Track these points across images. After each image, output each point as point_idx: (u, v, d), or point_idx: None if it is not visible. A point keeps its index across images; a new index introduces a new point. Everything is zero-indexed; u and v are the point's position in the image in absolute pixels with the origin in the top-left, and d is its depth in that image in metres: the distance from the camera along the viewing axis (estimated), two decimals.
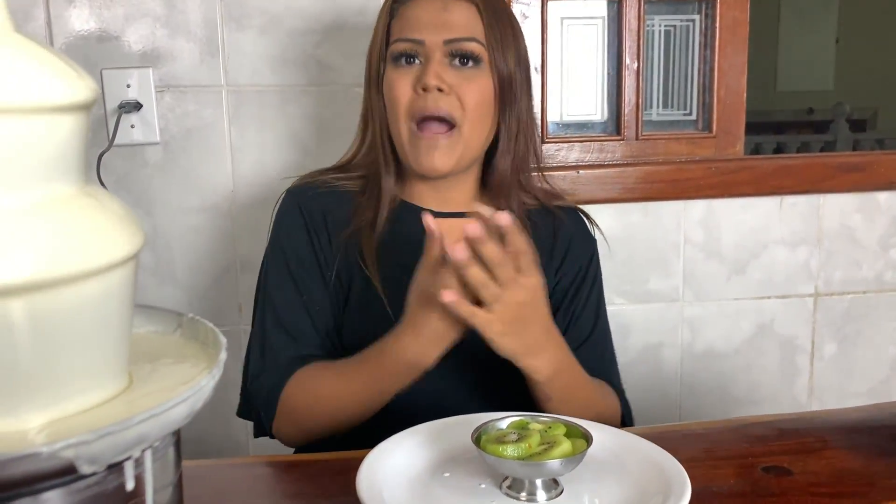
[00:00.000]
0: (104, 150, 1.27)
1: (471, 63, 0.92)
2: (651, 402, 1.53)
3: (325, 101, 1.38)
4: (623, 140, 1.50)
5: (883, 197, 1.55)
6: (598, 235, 1.07)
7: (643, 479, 0.68)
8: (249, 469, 0.79)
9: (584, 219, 1.07)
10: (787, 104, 7.49)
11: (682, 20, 1.51)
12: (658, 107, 1.54)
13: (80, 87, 0.38)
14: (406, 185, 1.00)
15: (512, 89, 0.94)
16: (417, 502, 0.66)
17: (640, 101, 1.49)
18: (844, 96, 6.63)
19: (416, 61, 0.92)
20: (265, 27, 1.34)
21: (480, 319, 0.76)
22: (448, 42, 0.91)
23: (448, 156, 0.92)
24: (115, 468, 0.38)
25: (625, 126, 1.49)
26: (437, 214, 0.96)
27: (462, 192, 1.00)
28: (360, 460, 0.69)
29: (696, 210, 1.49)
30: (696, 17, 1.51)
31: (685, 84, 1.53)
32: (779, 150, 5.71)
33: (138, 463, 0.39)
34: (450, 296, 0.74)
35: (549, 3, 1.44)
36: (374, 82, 0.98)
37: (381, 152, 0.98)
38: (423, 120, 0.92)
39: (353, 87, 1.36)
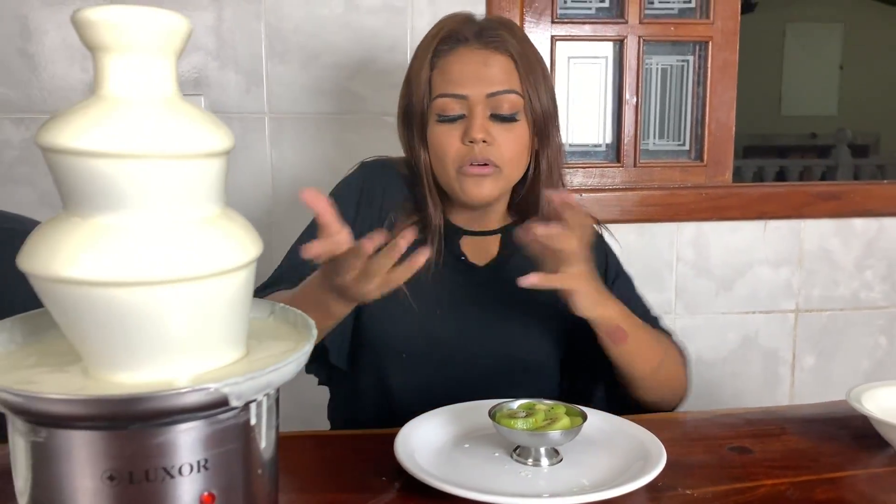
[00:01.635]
0: None
1: (510, 117, 1.02)
2: None
3: (355, 127, 1.54)
4: (622, 167, 1.66)
5: (858, 223, 1.70)
6: (610, 239, 1.21)
7: (628, 451, 0.84)
8: (303, 440, 0.94)
9: (598, 230, 1.20)
10: (791, 129, 7.63)
11: (677, 60, 1.67)
12: (654, 137, 1.70)
13: (227, 138, 0.54)
14: (446, 204, 1.11)
15: (546, 127, 1.05)
16: (444, 465, 0.81)
17: (639, 132, 1.65)
18: (847, 122, 6.77)
19: (458, 118, 1.02)
20: (304, 61, 1.51)
21: (567, 279, 0.90)
22: (490, 95, 1.01)
23: (491, 189, 1.04)
24: (245, 408, 0.53)
25: (624, 154, 1.65)
26: (470, 233, 1.11)
27: (494, 215, 1.13)
28: (391, 435, 0.84)
29: (687, 232, 1.65)
30: (691, 57, 1.67)
31: (679, 117, 1.69)
32: (781, 173, 5.85)
33: (259, 406, 0.54)
34: (531, 279, 0.88)
35: (557, 43, 1.60)
36: (418, 130, 1.07)
37: (427, 190, 1.08)
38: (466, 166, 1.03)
39: (381, 115, 1.53)
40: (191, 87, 1.48)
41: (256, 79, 1.50)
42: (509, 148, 1.02)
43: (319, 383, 1.19)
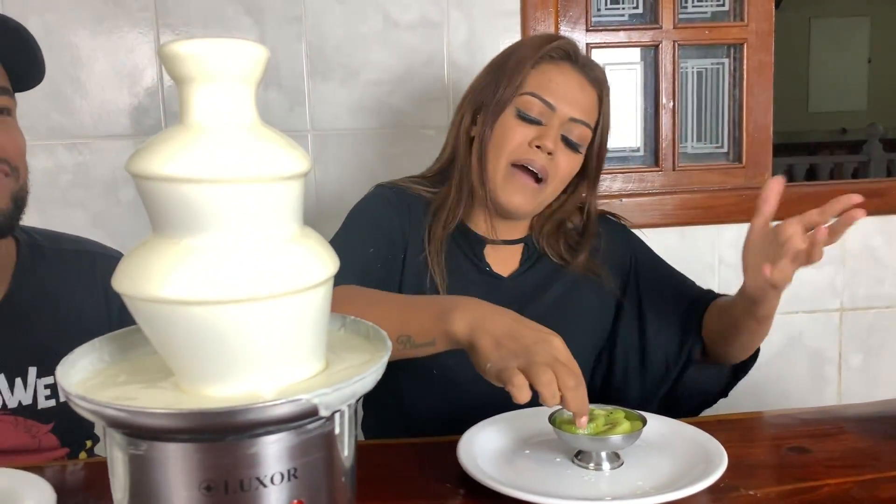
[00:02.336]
0: None
1: (576, 145, 1.06)
2: None
3: (395, 141, 1.57)
4: (661, 171, 1.66)
5: None
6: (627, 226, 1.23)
7: (688, 454, 0.84)
8: (370, 448, 0.96)
9: (612, 223, 1.22)
10: (820, 125, 7.55)
11: (712, 63, 1.68)
12: (692, 140, 1.71)
13: (305, 161, 0.57)
14: (468, 208, 1.12)
15: (596, 163, 1.11)
16: (506, 470, 0.83)
17: (676, 135, 1.66)
18: (877, 116, 6.68)
19: (536, 122, 1.05)
20: (344, 79, 1.54)
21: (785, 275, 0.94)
22: (572, 119, 1.05)
23: (531, 202, 1.06)
24: (331, 417, 0.55)
25: (662, 158, 1.66)
26: (493, 243, 1.13)
27: (514, 228, 1.14)
28: (450, 442, 0.86)
29: (728, 234, 1.65)
30: (726, 60, 1.68)
31: (716, 120, 1.70)
32: (812, 171, 5.77)
33: (342, 415, 0.56)
34: (769, 270, 0.92)
35: (592, 50, 1.62)
36: (487, 114, 1.06)
37: (460, 188, 1.10)
38: (520, 165, 1.05)
39: (420, 128, 1.55)
40: None
41: (299, 97, 1.53)
42: (563, 170, 1.06)
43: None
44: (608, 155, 1.67)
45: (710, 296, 1.15)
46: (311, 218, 1.56)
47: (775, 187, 0.93)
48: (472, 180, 1.09)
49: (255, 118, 0.56)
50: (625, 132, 1.68)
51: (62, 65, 1.49)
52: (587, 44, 1.61)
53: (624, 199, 1.61)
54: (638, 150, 1.69)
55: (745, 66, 1.64)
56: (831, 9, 7.45)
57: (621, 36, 1.62)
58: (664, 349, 1.13)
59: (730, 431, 0.96)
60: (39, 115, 1.50)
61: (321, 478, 0.56)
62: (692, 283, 1.18)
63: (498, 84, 1.06)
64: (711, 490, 0.79)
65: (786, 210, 1.64)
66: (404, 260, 1.10)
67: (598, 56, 1.64)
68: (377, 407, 1.17)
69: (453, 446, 0.85)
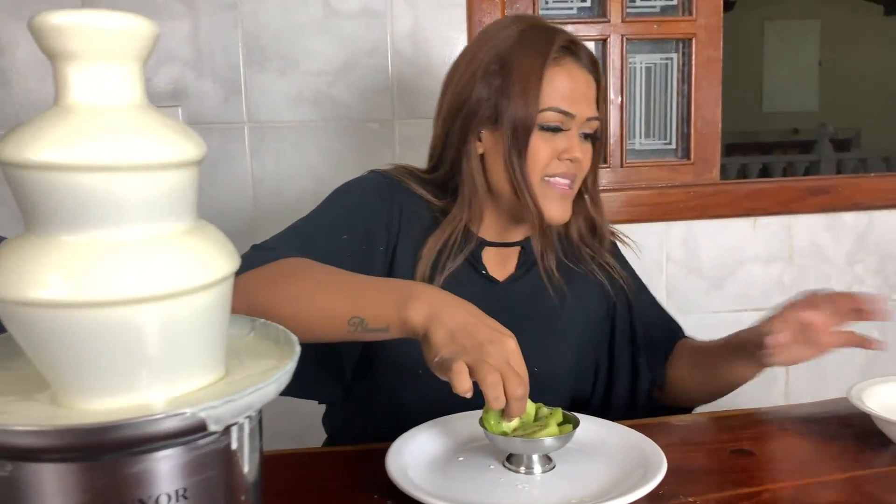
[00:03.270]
0: None
1: (596, 136, 1.04)
2: None
3: (337, 135, 1.51)
4: (609, 168, 1.64)
5: (848, 217, 1.69)
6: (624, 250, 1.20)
7: (625, 458, 0.81)
8: (293, 458, 0.91)
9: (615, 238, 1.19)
10: (773, 125, 7.66)
11: (661, 59, 1.66)
12: (641, 137, 1.68)
13: (197, 147, 0.51)
14: (474, 213, 1.05)
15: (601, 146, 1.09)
16: (438, 479, 0.79)
17: (625, 131, 1.63)
18: (828, 117, 6.81)
19: (559, 130, 1.00)
20: (283, 69, 1.48)
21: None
22: (589, 119, 1.02)
23: (569, 208, 1.03)
24: (226, 432, 0.50)
25: (610, 155, 1.63)
26: (493, 244, 1.08)
27: (514, 230, 1.09)
28: (383, 450, 0.81)
29: (677, 231, 1.63)
30: (675, 55, 1.65)
31: (665, 116, 1.68)
32: (765, 169, 5.85)
33: (240, 429, 0.51)
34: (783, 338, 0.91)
35: None
36: (508, 126, 0.99)
37: (471, 206, 1.04)
38: (553, 176, 1.01)
39: (364, 121, 1.50)
40: (168, 98, 1.45)
41: (235, 88, 1.47)
42: (586, 164, 1.04)
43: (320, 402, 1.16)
44: None
45: (678, 335, 1.15)
46: (247, 215, 1.50)
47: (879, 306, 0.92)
48: (491, 195, 1.05)
49: (141, 100, 0.51)
50: None
51: None
52: None
53: None
54: None
55: (693, 62, 1.62)
56: (784, 11, 7.57)
57: (569, 29, 1.58)
58: (627, 392, 1.13)
59: (671, 434, 0.93)
60: None
61: (217, 497, 0.51)
62: (664, 319, 1.17)
63: (510, 99, 0.98)
64: (650, 497, 0.75)
65: (738, 204, 1.64)
66: (389, 255, 1.04)
67: None
68: (369, 408, 1.12)
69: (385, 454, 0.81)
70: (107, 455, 0.46)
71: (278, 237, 0.98)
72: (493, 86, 0.99)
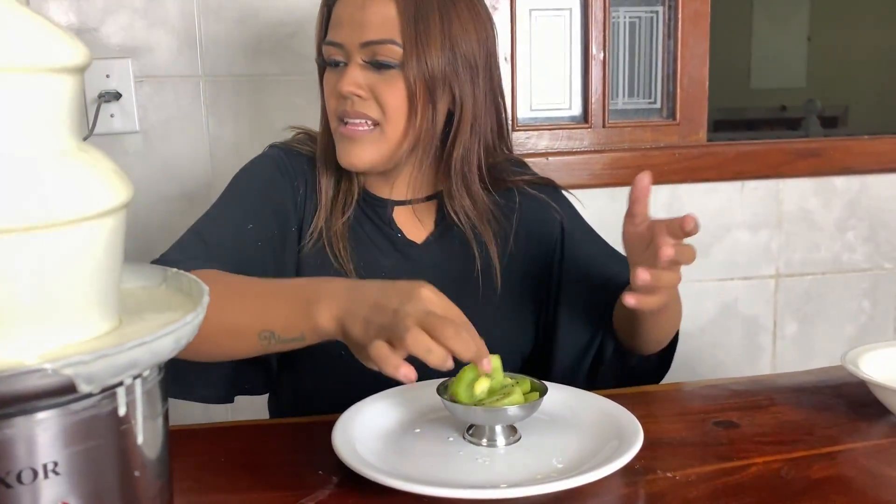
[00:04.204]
0: (84, 138, 1.30)
1: (386, 64, 0.89)
2: None
3: (299, 89, 1.42)
4: (590, 128, 1.55)
5: (839, 181, 1.62)
6: (569, 197, 1.10)
7: (598, 429, 0.73)
8: (232, 432, 0.83)
9: (551, 192, 1.07)
10: (761, 102, 7.59)
11: (646, 12, 1.56)
12: (624, 96, 1.59)
13: (80, 52, 0.42)
14: (365, 175, 1.00)
15: (446, 83, 0.91)
16: (389, 453, 0.71)
17: (607, 90, 1.55)
18: (816, 93, 6.74)
19: (341, 63, 0.92)
20: (241, 18, 1.38)
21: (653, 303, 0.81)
22: (364, 45, 0.89)
23: (369, 152, 0.92)
24: (109, 393, 0.42)
25: (592, 114, 1.55)
26: (401, 203, 1.00)
27: (418, 183, 0.99)
28: (331, 423, 0.73)
29: (661, 195, 1.55)
30: (660, 8, 1.56)
31: (649, 73, 1.59)
32: None
33: (129, 391, 0.43)
34: (645, 277, 0.78)
35: None
36: (320, 79, 0.97)
37: (323, 150, 0.98)
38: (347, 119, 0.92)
39: None
40: (116, 50, 1.35)
41: (189, 39, 1.37)
42: (387, 100, 0.90)
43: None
44: (532, 111, 1.57)
45: (622, 279, 0.99)
46: (204, 176, 1.41)
47: (643, 184, 0.81)
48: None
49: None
50: (551, 86, 1.56)
51: None
52: None
53: (550, 158, 1.49)
54: (566, 105, 1.56)
55: (679, 16, 1.53)
56: None
57: None
58: (572, 346, 1.01)
59: (649, 405, 0.86)
60: None
61: (101, 474, 0.43)
62: (615, 264, 1.01)
63: (318, 48, 0.97)
64: (624, 472, 0.68)
65: (726, 167, 1.56)
66: (301, 233, 0.97)
67: (523, 1, 1.51)
68: (288, 391, 1.04)
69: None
70: None
71: (179, 244, 0.90)
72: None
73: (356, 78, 0.90)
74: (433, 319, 0.65)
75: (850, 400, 0.85)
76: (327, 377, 0.96)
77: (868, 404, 0.82)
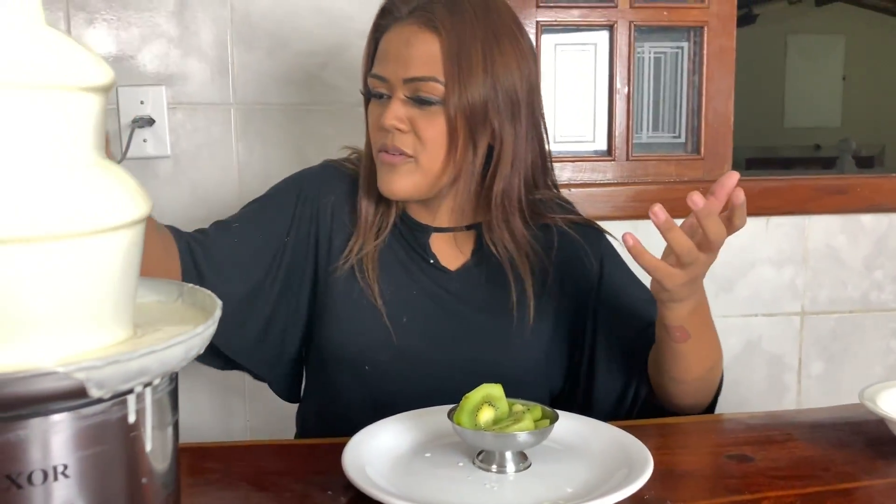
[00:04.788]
0: (118, 162, 1.34)
1: (427, 100, 0.91)
2: None
3: (328, 119, 1.45)
4: (614, 161, 1.56)
5: (867, 219, 1.60)
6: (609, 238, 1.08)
7: (608, 458, 0.73)
8: (244, 451, 0.84)
9: (593, 234, 1.07)
10: (795, 140, 7.54)
11: (671, 47, 1.58)
12: (648, 130, 1.60)
13: (105, 72, 0.45)
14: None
15: (487, 119, 0.93)
16: (398, 476, 0.71)
17: (631, 123, 1.55)
18: (852, 133, 6.67)
19: (384, 96, 0.94)
20: (272, 49, 1.42)
21: (665, 272, 0.80)
22: (407, 81, 0.91)
23: (407, 182, 0.94)
24: (119, 400, 0.43)
25: (616, 147, 1.55)
26: (434, 230, 1.02)
27: (458, 212, 1.01)
28: (342, 445, 0.74)
29: (684, 229, 1.54)
30: (685, 44, 1.58)
31: (674, 108, 1.60)
32: None
33: (140, 398, 0.44)
34: (632, 240, 0.78)
35: (543, 30, 1.51)
36: (365, 107, 1.01)
37: (365, 174, 1.01)
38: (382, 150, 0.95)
39: (355, 106, 1.43)
40: (151, 77, 1.39)
41: (222, 68, 1.41)
42: (425, 135, 0.92)
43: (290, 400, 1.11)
44: (557, 143, 1.58)
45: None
46: (232, 199, 1.43)
47: (730, 183, 0.81)
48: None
49: (36, 16, 0.44)
50: (576, 118, 1.57)
51: None
52: (537, 22, 1.50)
53: (573, 190, 1.49)
54: (590, 138, 1.58)
55: (705, 51, 1.54)
56: (807, 26, 7.46)
57: (574, 14, 1.51)
58: (610, 391, 1.00)
59: (664, 436, 0.85)
60: None
61: (108, 479, 0.44)
62: (649, 307, 0.99)
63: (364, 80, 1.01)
64: (633, 501, 0.67)
65: (751, 203, 1.54)
66: (330, 246, 1.02)
67: (548, 37, 1.53)
68: (316, 408, 1.06)
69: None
70: None
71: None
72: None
73: (398, 112, 0.92)
74: None
75: (869, 437, 0.83)
76: (352, 393, 0.98)
77: (885, 442, 0.81)
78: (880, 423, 0.82)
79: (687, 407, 0.95)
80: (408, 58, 0.91)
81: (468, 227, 1.02)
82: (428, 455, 0.76)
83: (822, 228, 1.59)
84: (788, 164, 6.80)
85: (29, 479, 0.40)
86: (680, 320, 0.84)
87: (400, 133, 0.92)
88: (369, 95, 0.98)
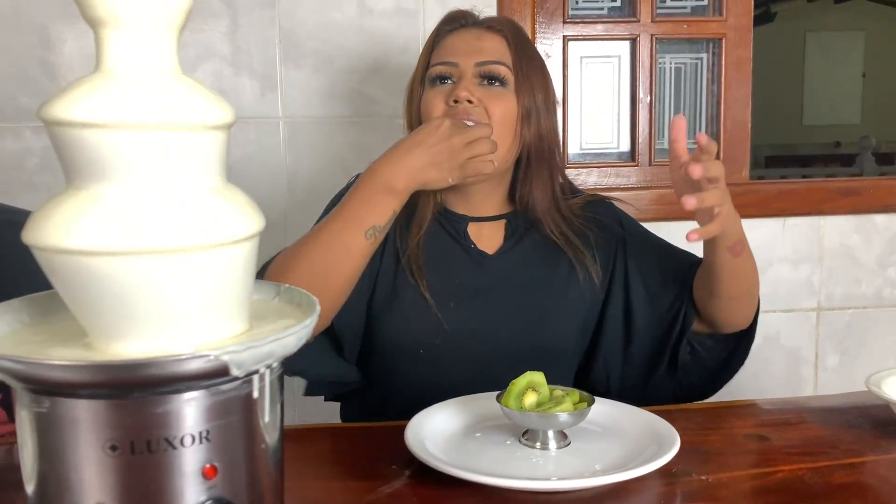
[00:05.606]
0: None
1: (498, 83, 1.03)
2: None
3: (369, 130, 1.55)
4: (637, 166, 1.65)
5: (880, 219, 1.68)
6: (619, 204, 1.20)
7: (640, 437, 0.82)
8: (311, 433, 0.94)
9: (605, 205, 1.18)
10: (814, 138, 7.55)
11: (691, 58, 1.66)
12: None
13: (226, 113, 0.55)
14: (445, 193, 1.12)
15: (537, 115, 1.05)
16: (454, 452, 0.81)
17: (653, 131, 1.64)
18: (871, 130, 6.68)
19: (450, 81, 1.05)
20: (318, 66, 1.52)
21: (713, 198, 0.91)
22: (479, 64, 1.03)
23: None
24: (247, 379, 0.53)
25: (639, 154, 1.64)
26: (475, 220, 1.11)
27: (491, 202, 1.12)
28: (403, 427, 0.83)
29: None
30: (704, 55, 1.66)
31: (694, 116, 1.68)
32: None
33: (261, 378, 0.54)
34: (691, 202, 0.87)
35: (569, 43, 1.61)
36: (415, 106, 1.10)
37: None
38: None
39: (394, 118, 1.53)
40: None
41: (271, 84, 1.51)
42: (495, 111, 1.02)
43: (326, 399, 1.19)
44: (582, 150, 1.68)
45: (690, 256, 1.13)
46: (282, 205, 1.54)
47: (680, 124, 0.97)
48: None
49: (174, 67, 0.54)
50: (601, 126, 1.67)
51: (30, 46, 1.47)
52: (564, 36, 1.60)
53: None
54: (614, 145, 1.67)
55: (723, 62, 1.63)
56: (826, 23, 7.46)
57: (599, 29, 1.61)
58: (653, 325, 1.10)
59: (688, 420, 0.94)
60: (7, 97, 1.48)
61: (237, 443, 0.54)
62: (683, 252, 1.14)
63: (413, 78, 1.12)
64: (662, 474, 0.77)
65: (768, 205, 1.63)
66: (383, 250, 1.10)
67: (574, 49, 1.63)
68: (368, 392, 1.15)
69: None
70: (134, 393, 0.49)
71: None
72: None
73: (470, 87, 1.03)
74: (464, 135, 0.95)
75: (876, 420, 0.92)
76: (395, 391, 1.08)
77: (891, 424, 0.89)
78: (886, 407, 0.91)
79: (736, 321, 1.07)
80: (480, 48, 1.04)
81: (499, 217, 1.13)
82: (478, 435, 0.86)
83: (837, 228, 1.67)
84: (807, 162, 6.82)
85: (181, 441, 0.50)
86: (739, 234, 0.98)
87: (470, 105, 1.02)
88: (421, 90, 1.08)
